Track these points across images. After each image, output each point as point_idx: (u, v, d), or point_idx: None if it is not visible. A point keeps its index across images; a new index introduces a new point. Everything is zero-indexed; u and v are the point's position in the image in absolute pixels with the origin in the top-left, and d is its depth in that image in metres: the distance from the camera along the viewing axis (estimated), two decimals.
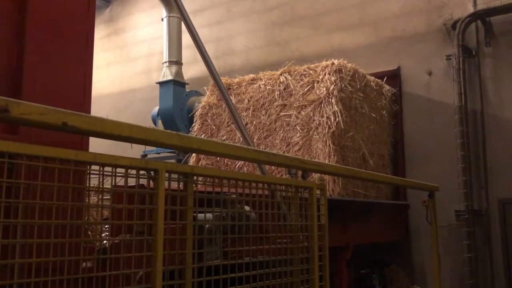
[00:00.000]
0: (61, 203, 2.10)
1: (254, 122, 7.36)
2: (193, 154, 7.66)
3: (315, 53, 9.27)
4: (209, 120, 7.95)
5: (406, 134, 8.76)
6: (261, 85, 7.55)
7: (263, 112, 7.33)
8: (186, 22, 4.07)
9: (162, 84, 10.47)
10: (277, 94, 7.30)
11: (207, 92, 8.28)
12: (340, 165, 5.86)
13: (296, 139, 6.87)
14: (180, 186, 2.64)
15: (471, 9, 8.32)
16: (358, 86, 7.35)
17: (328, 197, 3.86)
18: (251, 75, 7.85)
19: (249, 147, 4.01)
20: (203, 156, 7.42)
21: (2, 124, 2.35)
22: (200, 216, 2.81)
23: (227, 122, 7.69)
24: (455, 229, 7.90)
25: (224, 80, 7.89)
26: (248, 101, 7.51)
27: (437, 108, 8.48)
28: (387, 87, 8.49)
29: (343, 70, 7.03)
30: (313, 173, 5.79)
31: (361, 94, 7.43)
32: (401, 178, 7.83)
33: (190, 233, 2.61)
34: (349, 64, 7.27)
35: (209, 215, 2.85)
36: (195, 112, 8.34)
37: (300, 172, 3.79)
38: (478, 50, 8.33)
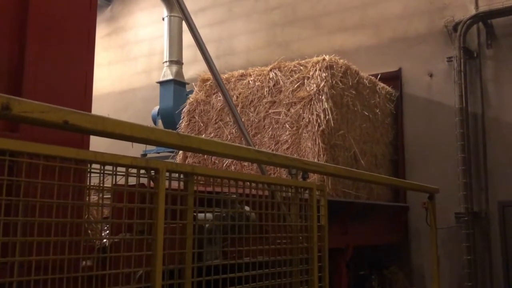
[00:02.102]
0: (62, 201, 2.10)
1: (243, 120, 7.11)
2: (180, 152, 7.53)
3: (316, 54, 9.26)
4: (196, 117, 7.72)
5: (406, 136, 8.77)
6: (250, 81, 7.33)
7: (252, 109, 7.12)
8: (187, 21, 4.07)
9: (162, 83, 10.48)
10: (266, 91, 7.10)
11: (195, 88, 8.06)
12: (340, 166, 5.84)
13: (285, 137, 6.68)
14: (180, 185, 2.64)
15: (472, 11, 8.32)
16: (350, 83, 7.14)
17: (328, 198, 3.85)
18: (240, 71, 7.62)
19: (250, 147, 4.00)
20: (189, 153, 7.26)
21: (2, 122, 2.34)
22: (200, 215, 2.81)
23: (215, 119, 7.50)
24: (455, 232, 7.90)
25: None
26: (237, 97, 7.29)
27: (437, 110, 8.48)
28: (381, 84, 8.30)
29: (334, 66, 6.81)
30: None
31: (353, 92, 7.22)
32: (401, 179, 7.81)
33: (190, 233, 2.61)
34: (341, 60, 7.07)
35: (209, 215, 2.84)
36: (182, 109, 8.11)
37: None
38: (479, 52, 8.33)
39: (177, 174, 2.60)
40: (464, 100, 8.08)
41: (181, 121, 7.98)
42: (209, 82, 7.77)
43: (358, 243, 6.67)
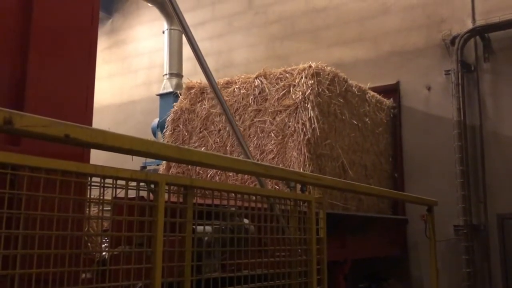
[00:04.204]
0: (62, 214, 2.12)
1: (227, 128, 6.92)
2: (163, 162, 7.37)
3: None
4: (181, 126, 7.49)
5: (405, 149, 8.79)
6: (235, 89, 7.10)
7: (237, 117, 6.88)
8: (186, 34, 4.11)
9: (162, 96, 10.54)
10: (251, 99, 6.87)
11: (180, 97, 7.87)
12: (340, 179, 5.83)
13: (270, 147, 6.47)
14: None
15: (470, 25, 8.40)
16: (338, 91, 6.91)
17: (327, 211, 3.87)
18: (226, 78, 7.42)
19: (248, 160, 4.03)
20: (173, 164, 7.08)
21: (4, 136, 2.37)
22: (199, 228, 2.82)
23: (200, 128, 7.30)
24: (454, 244, 7.89)
25: (197, 84, 7.59)
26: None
27: (436, 123, 8.52)
28: (371, 93, 8.10)
29: (321, 74, 6.59)
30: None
31: (341, 100, 7.00)
32: (400, 192, 7.81)
33: (189, 246, 2.62)
34: (328, 68, 6.87)
35: (208, 228, 2.86)
36: (167, 118, 7.87)
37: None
38: (477, 65, 8.40)
39: (176, 187, 2.63)
40: (462, 113, 8.13)
41: (165, 130, 7.78)
42: (193, 90, 7.61)
43: (356, 256, 6.65)
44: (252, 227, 3.17)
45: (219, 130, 7.09)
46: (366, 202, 7.52)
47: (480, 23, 8.29)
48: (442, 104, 8.47)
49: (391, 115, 8.72)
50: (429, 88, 8.70)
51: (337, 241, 6.23)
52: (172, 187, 2.59)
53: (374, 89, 8.40)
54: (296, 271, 3.36)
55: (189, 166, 6.96)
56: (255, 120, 6.78)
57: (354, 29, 9.64)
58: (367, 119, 7.79)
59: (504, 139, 7.99)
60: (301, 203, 3.51)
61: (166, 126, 7.80)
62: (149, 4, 11.23)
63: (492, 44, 8.31)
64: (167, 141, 7.42)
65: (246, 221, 3.14)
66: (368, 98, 7.95)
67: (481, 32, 8.27)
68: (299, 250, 3.44)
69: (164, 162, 7.36)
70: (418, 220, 6.05)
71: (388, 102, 8.64)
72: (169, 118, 7.75)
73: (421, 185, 8.26)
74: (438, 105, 8.55)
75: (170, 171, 7.20)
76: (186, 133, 7.43)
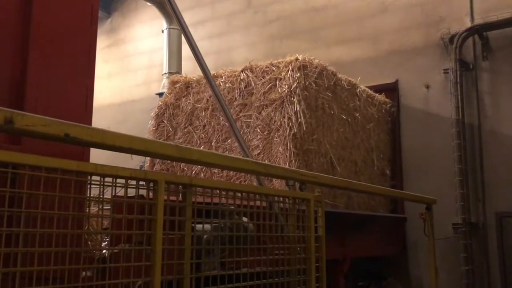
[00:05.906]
0: (62, 212, 2.14)
1: (213, 123, 6.80)
2: (147, 158, 7.20)
3: None
4: (165, 121, 7.30)
5: (404, 147, 8.81)
6: (221, 83, 6.86)
7: (222, 112, 6.79)
8: (184, 33, 4.14)
9: (162, 95, 10.54)
10: (237, 93, 6.68)
11: (165, 91, 7.68)
12: (339, 178, 5.84)
13: (256, 142, 6.29)
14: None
15: (468, 24, 8.42)
16: (326, 85, 6.72)
17: (326, 210, 3.88)
18: (212, 72, 7.19)
19: (248, 159, 4.04)
20: (157, 160, 6.93)
21: (5, 135, 2.39)
22: (199, 226, 2.85)
23: (185, 124, 7.13)
24: (453, 242, 7.92)
25: (183, 78, 7.45)
26: (207, 100, 6.88)
27: (434, 122, 8.54)
28: (362, 87, 7.89)
29: (308, 67, 6.40)
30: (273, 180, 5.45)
31: (330, 94, 6.80)
32: (398, 190, 7.82)
33: (188, 244, 2.64)
34: (316, 61, 6.66)
35: (207, 226, 2.88)
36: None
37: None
38: (475, 64, 8.42)
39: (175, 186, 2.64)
40: (461, 111, 8.15)
41: (149, 125, 7.61)
42: (178, 85, 7.44)
43: (356, 254, 6.67)
44: (251, 225, 3.19)
45: (204, 126, 6.92)
46: (356, 200, 7.32)
47: (479, 21, 8.31)
48: (440, 103, 8.49)
49: (383, 111, 8.57)
50: (427, 87, 8.72)
51: (336, 240, 6.25)
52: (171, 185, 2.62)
53: (373, 87, 8.41)
54: (295, 269, 3.38)
55: (174, 163, 6.82)
56: (240, 115, 6.59)
57: (353, 28, 9.66)
58: (357, 114, 7.58)
59: (503, 137, 8.01)
60: (300, 201, 3.53)
61: (150, 122, 7.63)
62: (148, 3, 11.25)
63: (491, 42, 8.34)
64: (151, 137, 7.19)
65: (245, 219, 3.16)
66: (358, 93, 7.72)
67: (479, 30, 8.29)
68: (298, 248, 3.46)
69: (147, 158, 7.17)
70: (417, 219, 6.05)
71: (380, 97, 8.49)
72: (153, 114, 7.57)
73: (420, 183, 8.28)
74: (437, 103, 8.57)
75: (154, 168, 7.06)
76: (170, 129, 7.25)
